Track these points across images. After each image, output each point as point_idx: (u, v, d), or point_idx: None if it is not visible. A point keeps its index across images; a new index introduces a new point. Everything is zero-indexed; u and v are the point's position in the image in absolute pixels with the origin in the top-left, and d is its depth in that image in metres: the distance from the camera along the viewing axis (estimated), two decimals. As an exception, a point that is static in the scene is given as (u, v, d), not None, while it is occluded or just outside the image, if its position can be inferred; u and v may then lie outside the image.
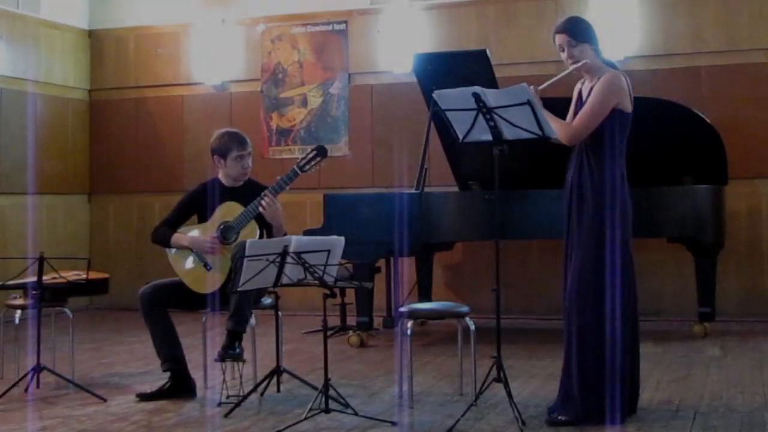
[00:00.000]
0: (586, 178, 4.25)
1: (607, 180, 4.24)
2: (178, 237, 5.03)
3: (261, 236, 4.96)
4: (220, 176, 5.14)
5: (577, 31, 4.28)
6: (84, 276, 5.27)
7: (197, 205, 5.13)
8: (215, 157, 5.10)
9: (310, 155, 4.96)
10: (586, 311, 4.19)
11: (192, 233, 5.05)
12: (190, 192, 5.26)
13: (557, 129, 4.21)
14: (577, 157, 4.31)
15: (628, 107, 4.29)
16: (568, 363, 4.27)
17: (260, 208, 4.86)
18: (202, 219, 5.09)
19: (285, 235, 4.91)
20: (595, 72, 4.29)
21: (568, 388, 4.26)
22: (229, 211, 4.98)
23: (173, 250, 5.06)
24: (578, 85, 4.44)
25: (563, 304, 4.35)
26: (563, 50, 4.29)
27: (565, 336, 4.32)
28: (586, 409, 4.16)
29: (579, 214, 4.27)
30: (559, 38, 4.29)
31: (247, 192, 5.02)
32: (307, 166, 4.96)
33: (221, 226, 4.97)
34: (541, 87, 4.30)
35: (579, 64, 4.26)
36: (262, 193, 4.89)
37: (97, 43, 9.57)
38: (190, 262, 5.00)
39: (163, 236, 5.08)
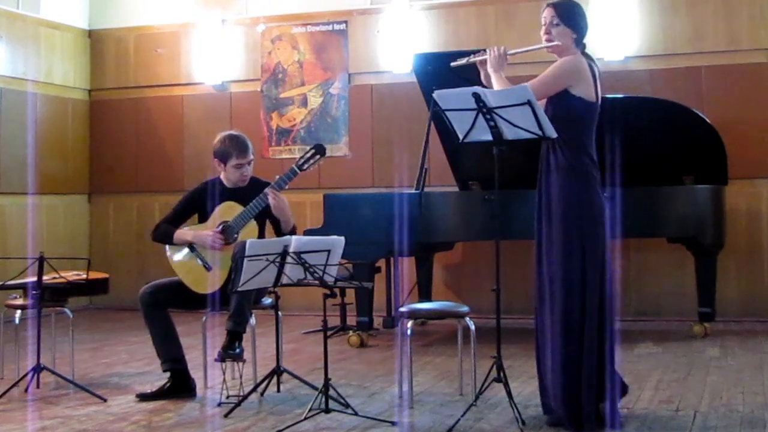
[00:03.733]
0: (553, 177, 4.20)
1: (575, 171, 4.15)
2: (181, 232, 5.03)
3: (261, 235, 4.96)
4: (222, 177, 5.14)
5: (565, 12, 4.23)
6: (84, 276, 5.27)
7: (199, 204, 5.13)
8: (215, 160, 5.10)
9: (309, 154, 4.96)
10: (563, 320, 4.13)
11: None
12: (192, 191, 5.26)
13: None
14: (545, 155, 4.27)
15: (591, 96, 4.19)
16: (559, 364, 4.20)
17: (269, 201, 4.87)
18: (203, 218, 5.09)
19: (294, 227, 4.96)
20: (563, 56, 4.25)
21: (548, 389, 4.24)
22: (227, 210, 4.99)
23: (172, 251, 5.05)
24: None
25: (536, 305, 4.29)
26: (545, 24, 4.25)
27: (545, 341, 4.23)
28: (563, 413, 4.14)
29: (548, 218, 4.22)
30: (546, 12, 4.25)
31: (249, 191, 5.03)
32: (306, 165, 4.96)
33: (220, 226, 4.98)
34: (511, 52, 4.29)
35: (550, 44, 4.22)
36: (264, 192, 4.90)
37: (97, 43, 9.57)
38: (190, 263, 4.99)
39: (164, 233, 5.07)
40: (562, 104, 4.18)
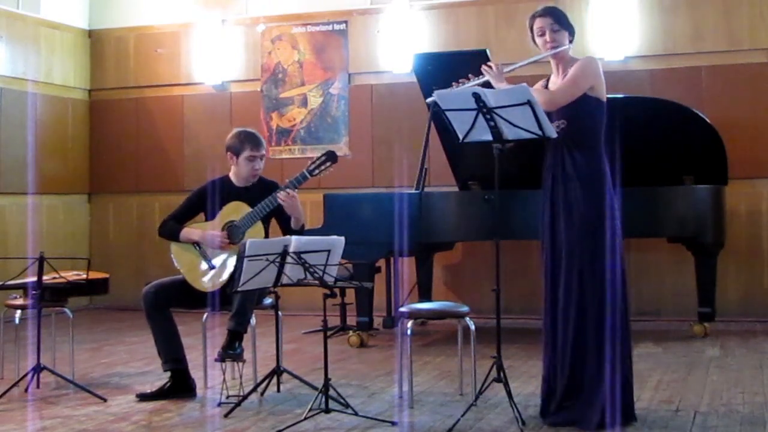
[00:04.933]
0: (573, 184, 4.21)
1: (594, 173, 4.18)
2: (188, 231, 5.04)
3: (266, 236, 4.96)
4: (231, 175, 5.15)
5: (560, 16, 4.30)
6: (84, 276, 5.27)
7: (206, 202, 5.13)
8: (228, 153, 5.12)
9: (321, 160, 4.99)
10: (590, 313, 4.15)
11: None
12: (200, 189, 5.25)
13: (534, 95, 4.13)
14: (554, 154, 4.28)
15: (603, 96, 4.26)
16: (574, 367, 4.20)
17: (279, 201, 4.88)
18: (209, 217, 5.10)
19: (303, 226, 5.00)
20: (568, 62, 4.29)
21: (569, 390, 4.22)
22: (234, 210, 4.99)
23: (176, 246, 5.06)
24: (542, 83, 4.41)
25: (552, 305, 4.27)
26: (543, 34, 4.27)
27: (568, 339, 4.22)
28: (592, 412, 4.13)
29: (569, 221, 4.22)
30: (541, 21, 4.27)
31: (257, 191, 5.05)
32: (317, 171, 5.00)
33: (227, 226, 4.98)
34: (507, 69, 4.31)
35: (559, 48, 4.25)
36: (273, 194, 4.91)
37: (97, 43, 9.57)
38: (193, 260, 5.00)
39: (171, 230, 5.08)
40: (579, 107, 4.20)
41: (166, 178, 9.17)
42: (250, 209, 4.96)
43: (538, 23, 4.28)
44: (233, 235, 4.96)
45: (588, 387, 4.16)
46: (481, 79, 4.34)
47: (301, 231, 4.98)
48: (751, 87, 7.66)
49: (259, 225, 4.96)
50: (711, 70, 7.79)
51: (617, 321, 4.16)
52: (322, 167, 4.99)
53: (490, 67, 4.32)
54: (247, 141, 5.07)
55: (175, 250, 5.07)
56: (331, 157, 5.00)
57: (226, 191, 5.08)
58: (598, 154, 4.22)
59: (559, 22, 4.26)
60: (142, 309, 4.99)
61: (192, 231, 5.04)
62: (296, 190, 4.94)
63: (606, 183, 4.21)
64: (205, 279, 4.95)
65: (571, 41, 4.30)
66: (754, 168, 7.60)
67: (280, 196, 4.88)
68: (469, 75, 4.39)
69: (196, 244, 5.01)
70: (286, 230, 5.02)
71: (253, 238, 4.68)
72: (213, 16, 9.07)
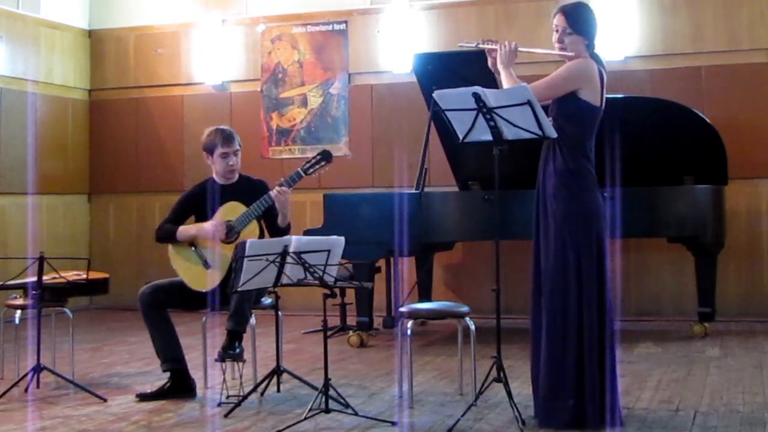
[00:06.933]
0: (551, 180, 4.20)
1: (572, 171, 4.15)
2: (184, 228, 5.05)
3: (262, 236, 4.97)
4: (214, 175, 5.16)
5: (577, 20, 4.23)
6: (84, 276, 5.27)
7: (195, 205, 5.13)
8: (204, 153, 5.15)
9: (316, 159, 4.99)
10: (562, 314, 4.13)
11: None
12: (187, 193, 5.27)
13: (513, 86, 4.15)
14: (544, 153, 4.28)
15: (596, 101, 4.20)
16: (546, 370, 4.19)
17: (273, 193, 4.89)
18: (201, 219, 5.09)
19: (289, 224, 5.00)
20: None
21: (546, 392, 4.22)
22: (231, 210, 4.99)
23: (174, 248, 5.06)
24: None
25: (534, 305, 4.27)
26: (557, 31, 4.25)
27: (544, 342, 4.20)
28: (564, 414, 4.12)
29: (545, 218, 4.23)
30: (558, 19, 4.25)
31: (244, 190, 5.06)
32: (312, 170, 5.00)
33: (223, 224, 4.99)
34: (522, 49, 4.29)
35: (565, 53, 4.23)
36: (267, 193, 4.93)
37: (97, 43, 9.57)
38: (190, 260, 5.00)
39: (168, 232, 5.08)
40: (568, 106, 4.19)
41: (166, 178, 9.17)
42: (245, 209, 4.96)
43: (556, 19, 4.26)
44: (229, 234, 4.96)
45: (562, 389, 4.12)
46: (490, 45, 4.31)
47: (287, 229, 4.99)
48: (751, 87, 7.66)
49: (254, 224, 4.97)
50: (711, 70, 7.79)
51: (593, 324, 4.09)
52: (317, 166, 4.99)
53: (505, 45, 4.26)
54: (218, 138, 5.09)
55: (173, 253, 5.07)
56: (326, 156, 5.01)
57: (214, 192, 5.08)
58: (580, 155, 4.18)
59: (573, 25, 4.20)
60: (139, 310, 4.99)
61: (188, 227, 5.06)
62: (291, 188, 4.95)
63: (587, 184, 4.17)
64: (201, 279, 4.95)
65: (587, 44, 4.23)
66: (754, 168, 7.60)
67: (274, 191, 4.88)
68: (488, 40, 4.36)
69: (192, 245, 5.01)
70: (272, 228, 5.03)
71: (249, 237, 4.68)
72: (213, 16, 9.07)
